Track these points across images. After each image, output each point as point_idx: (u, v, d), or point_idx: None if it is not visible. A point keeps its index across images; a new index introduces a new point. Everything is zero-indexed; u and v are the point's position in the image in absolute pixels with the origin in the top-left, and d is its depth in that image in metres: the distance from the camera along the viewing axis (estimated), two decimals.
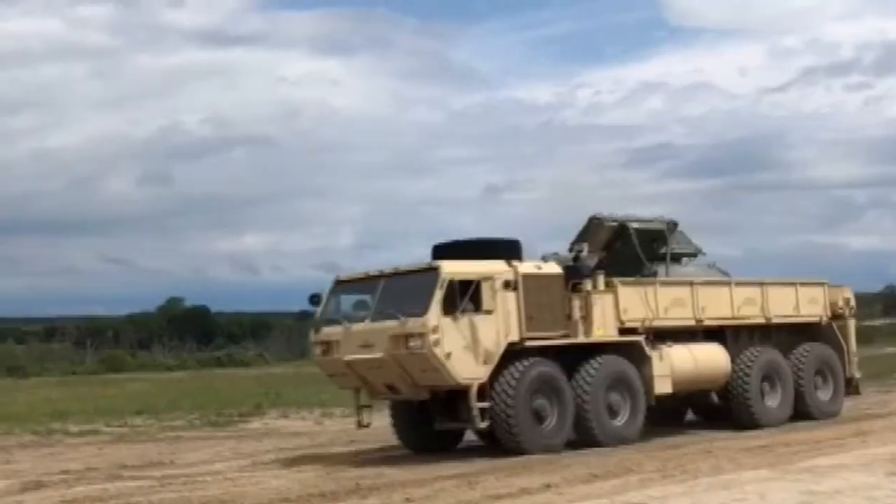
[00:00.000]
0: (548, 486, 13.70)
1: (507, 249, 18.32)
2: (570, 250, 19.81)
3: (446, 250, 18.18)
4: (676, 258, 21.99)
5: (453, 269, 16.79)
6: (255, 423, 27.43)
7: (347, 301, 18.44)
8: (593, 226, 19.98)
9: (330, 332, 17.69)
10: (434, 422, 17.91)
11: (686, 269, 21.61)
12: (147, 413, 32.13)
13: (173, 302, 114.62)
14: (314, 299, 18.39)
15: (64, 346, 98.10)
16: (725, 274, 21.99)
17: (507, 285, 17.00)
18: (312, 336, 18.17)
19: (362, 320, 17.36)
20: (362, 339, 17.01)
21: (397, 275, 17.38)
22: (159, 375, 68.38)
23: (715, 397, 20.93)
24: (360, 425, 18.54)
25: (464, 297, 16.52)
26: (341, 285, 18.32)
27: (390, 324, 16.60)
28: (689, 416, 22.60)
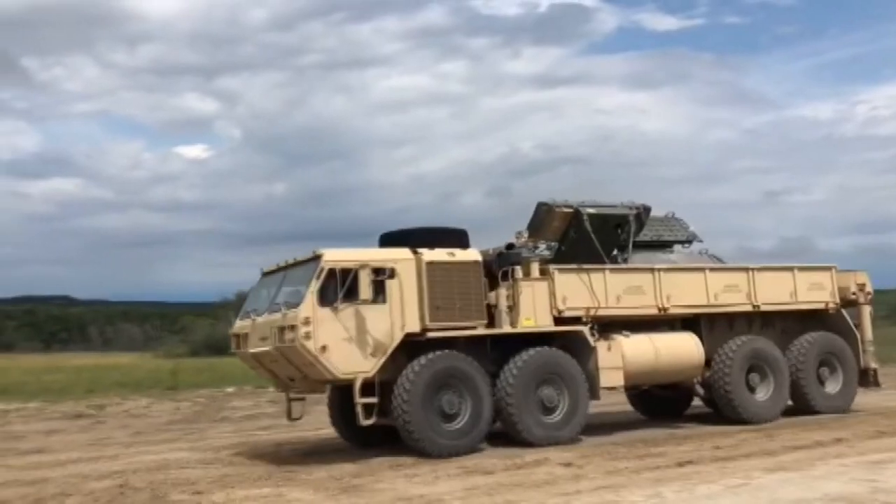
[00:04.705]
0: (839, 440, 15.04)
1: (455, 238, 16.88)
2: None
3: (390, 239, 16.91)
4: (667, 245, 19.80)
5: (335, 257, 15.31)
6: None
7: (272, 293, 17.27)
8: (542, 212, 17.88)
9: (241, 324, 16.63)
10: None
11: (668, 256, 19.35)
12: None
13: None
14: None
15: None
16: (718, 261, 19.54)
17: (382, 273, 15.34)
18: (230, 329, 17.26)
19: (265, 313, 16.20)
20: (262, 331, 15.79)
21: (296, 265, 16.09)
22: None
23: (700, 389, 18.57)
24: (289, 417, 17.42)
25: (344, 286, 15.07)
26: (266, 276, 17.22)
27: (275, 316, 15.42)
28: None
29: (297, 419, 17.47)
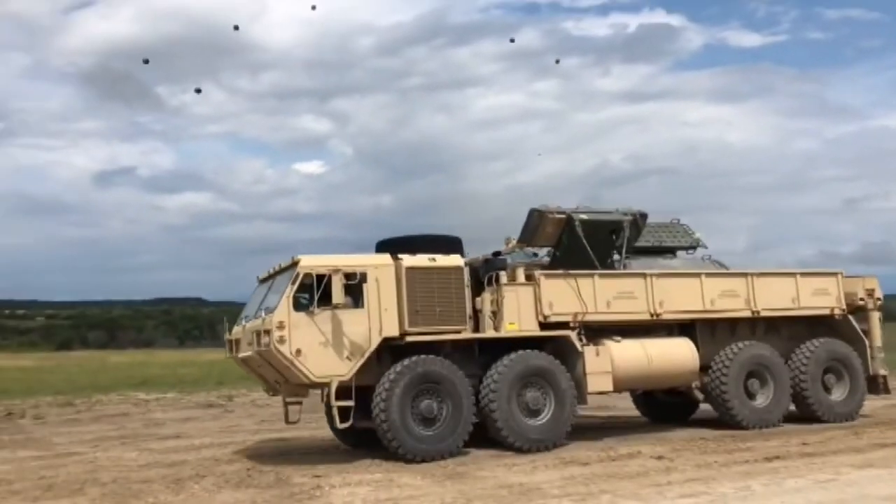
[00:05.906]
0: None
1: (449, 245, 16.96)
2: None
3: (386, 246, 17.04)
4: (669, 250, 19.46)
5: (311, 263, 15.45)
6: None
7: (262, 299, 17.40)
8: (535, 218, 17.70)
9: (235, 330, 16.95)
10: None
11: (670, 262, 19.00)
12: None
13: None
14: None
15: None
16: (722, 267, 19.11)
17: (353, 277, 15.40)
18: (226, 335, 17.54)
19: (253, 318, 16.42)
20: (249, 336, 16.02)
21: (281, 271, 16.27)
22: None
23: (699, 394, 18.20)
24: (287, 421, 17.63)
25: (318, 291, 15.19)
26: (261, 283, 17.47)
27: (256, 321, 15.76)
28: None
29: (294, 422, 17.65)
